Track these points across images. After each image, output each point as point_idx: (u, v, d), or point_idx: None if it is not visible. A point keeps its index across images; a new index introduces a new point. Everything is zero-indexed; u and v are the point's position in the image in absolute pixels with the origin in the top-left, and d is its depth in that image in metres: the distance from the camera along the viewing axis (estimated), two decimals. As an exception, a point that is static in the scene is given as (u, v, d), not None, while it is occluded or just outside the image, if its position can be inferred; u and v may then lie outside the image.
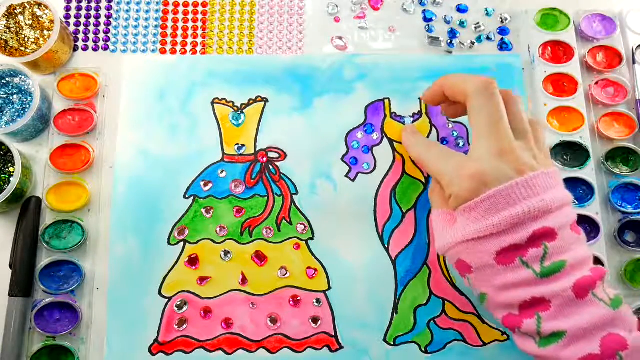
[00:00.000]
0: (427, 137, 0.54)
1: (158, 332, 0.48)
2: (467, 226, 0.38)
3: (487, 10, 0.58)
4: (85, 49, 0.56)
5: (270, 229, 0.51)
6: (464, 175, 0.38)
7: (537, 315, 0.36)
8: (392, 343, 0.49)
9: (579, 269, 0.37)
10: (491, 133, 0.39)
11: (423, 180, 0.52)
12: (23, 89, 0.51)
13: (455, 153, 0.42)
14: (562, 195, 0.38)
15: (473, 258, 0.39)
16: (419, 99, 0.54)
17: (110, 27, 0.57)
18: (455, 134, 0.54)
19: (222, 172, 0.52)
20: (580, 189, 0.52)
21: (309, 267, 0.50)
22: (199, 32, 0.57)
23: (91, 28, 0.57)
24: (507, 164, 0.37)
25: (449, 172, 0.40)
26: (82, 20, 0.57)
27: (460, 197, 0.39)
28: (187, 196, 0.51)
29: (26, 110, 0.51)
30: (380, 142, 0.53)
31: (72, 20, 0.57)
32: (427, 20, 0.58)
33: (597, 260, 0.50)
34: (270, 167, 0.52)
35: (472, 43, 0.57)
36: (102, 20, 0.57)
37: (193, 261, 0.50)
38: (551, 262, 0.36)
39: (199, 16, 0.57)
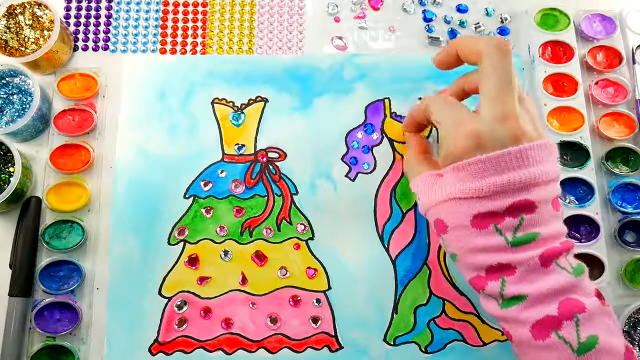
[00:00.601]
0: (427, 136, 0.54)
1: (158, 332, 0.48)
2: (452, 184, 0.39)
3: (487, 10, 0.58)
4: (85, 49, 0.56)
5: (270, 229, 0.51)
6: (461, 132, 0.38)
7: (502, 278, 0.37)
8: (392, 343, 0.49)
9: (550, 241, 0.37)
10: (499, 95, 0.38)
11: (423, 180, 0.52)
12: (23, 89, 0.51)
13: (461, 105, 0.41)
14: (551, 169, 0.38)
15: (450, 217, 0.39)
16: (419, 98, 0.54)
17: (110, 27, 0.57)
18: (455, 134, 0.54)
19: (222, 172, 0.52)
20: (580, 189, 0.52)
21: (309, 267, 0.50)
22: (199, 32, 0.57)
23: (91, 28, 0.57)
24: (506, 130, 0.37)
25: (448, 124, 0.40)
26: (82, 20, 0.57)
27: (453, 155, 0.39)
28: (187, 196, 0.51)
29: (26, 110, 0.51)
30: (380, 142, 0.53)
31: (72, 20, 0.57)
32: (427, 20, 0.58)
33: (598, 261, 0.50)
34: (270, 167, 0.52)
35: (472, 43, 0.57)
36: (102, 20, 0.57)
37: (193, 261, 0.50)
38: (524, 232, 0.37)
39: (199, 16, 0.57)
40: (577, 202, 0.52)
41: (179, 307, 0.49)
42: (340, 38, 0.57)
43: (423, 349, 0.49)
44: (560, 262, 0.37)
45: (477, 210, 0.38)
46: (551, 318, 0.36)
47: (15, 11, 0.52)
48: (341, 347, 0.49)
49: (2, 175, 0.48)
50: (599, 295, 0.38)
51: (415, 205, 0.52)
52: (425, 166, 0.44)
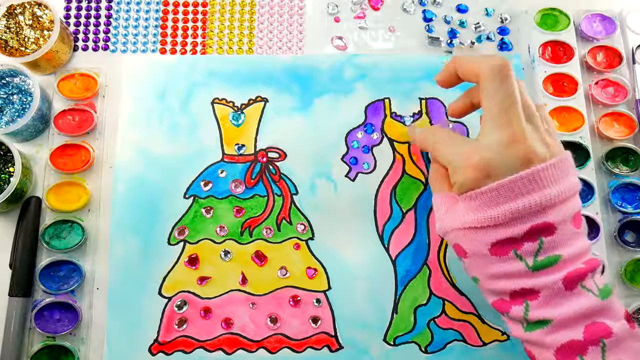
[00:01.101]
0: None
1: (158, 332, 0.48)
2: (466, 214, 0.38)
3: (487, 10, 0.58)
4: (85, 49, 0.56)
5: (270, 229, 0.51)
6: (468, 164, 0.38)
7: (526, 303, 0.37)
8: (392, 343, 0.49)
9: (572, 262, 0.37)
10: (503, 119, 0.37)
11: (423, 180, 0.52)
12: (23, 89, 0.51)
13: (463, 138, 0.41)
14: (568, 186, 0.37)
15: (469, 245, 0.39)
16: (419, 98, 0.54)
17: (110, 27, 0.57)
18: (455, 134, 0.54)
19: (222, 172, 0.52)
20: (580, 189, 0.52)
21: (309, 267, 0.50)
22: (199, 32, 0.57)
23: (91, 28, 0.57)
24: (515, 154, 0.36)
25: (454, 159, 0.40)
26: (82, 20, 0.57)
27: (464, 186, 0.38)
28: (187, 196, 0.51)
29: (26, 110, 0.51)
30: (380, 142, 0.53)
31: (72, 20, 0.57)
32: (427, 20, 0.58)
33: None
34: (270, 167, 0.52)
35: (472, 43, 0.57)
36: (102, 20, 0.57)
37: (193, 261, 0.50)
38: (545, 256, 0.36)
39: (199, 16, 0.57)
40: (577, 202, 0.52)
41: (179, 307, 0.49)
42: (340, 38, 0.57)
43: (423, 349, 0.49)
44: (585, 284, 0.36)
45: (494, 239, 0.37)
46: (576, 343, 0.35)
47: (15, 11, 0.52)
48: (341, 347, 0.49)
49: (2, 175, 0.48)
50: (628, 317, 0.37)
51: (416, 205, 0.52)
52: (446, 184, 0.43)
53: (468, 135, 0.54)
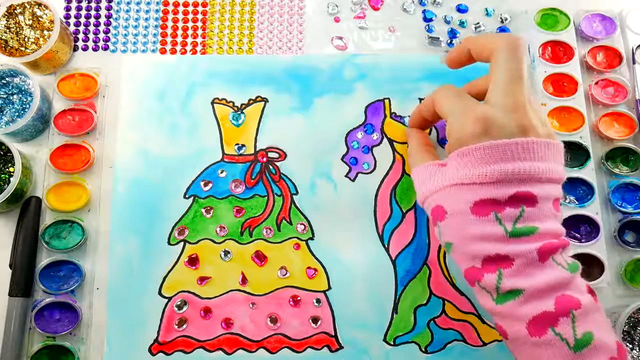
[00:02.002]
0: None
1: (158, 332, 0.48)
2: (456, 170, 0.38)
3: (487, 10, 0.58)
4: (85, 49, 0.56)
5: (270, 229, 0.51)
6: (470, 117, 0.38)
7: (499, 271, 0.37)
8: (392, 343, 0.49)
9: (547, 237, 0.37)
10: (509, 88, 0.38)
11: (423, 180, 0.52)
12: (23, 89, 0.51)
13: (469, 97, 0.41)
14: (556, 169, 0.38)
15: (450, 203, 0.39)
16: (419, 98, 0.54)
17: (110, 27, 0.57)
18: (455, 134, 0.54)
19: (222, 172, 0.52)
20: (580, 189, 0.52)
21: (309, 267, 0.50)
22: (199, 32, 0.57)
23: (91, 28, 0.57)
24: (515, 120, 0.37)
25: (457, 112, 0.40)
26: (82, 20, 0.57)
27: (460, 140, 0.38)
28: (187, 196, 0.51)
29: (26, 110, 0.51)
30: (380, 142, 0.53)
31: (72, 20, 0.57)
32: (427, 20, 0.58)
33: (598, 261, 0.50)
34: (270, 167, 0.52)
35: (472, 43, 0.57)
36: (102, 20, 0.57)
37: (193, 261, 0.50)
38: (524, 225, 0.37)
39: (199, 16, 0.57)
40: (577, 202, 0.52)
41: (179, 307, 0.49)
42: (340, 38, 0.57)
43: (423, 349, 0.49)
44: (556, 258, 0.37)
45: (478, 197, 0.37)
46: (548, 314, 0.35)
47: (15, 11, 0.52)
48: (341, 347, 0.49)
49: (2, 175, 0.48)
50: (591, 292, 0.38)
51: (416, 205, 0.52)
52: (427, 156, 0.44)
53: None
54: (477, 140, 0.37)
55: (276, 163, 0.52)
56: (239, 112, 0.54)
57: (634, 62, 0.56)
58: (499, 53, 0.39)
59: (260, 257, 0.50)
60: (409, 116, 0.54)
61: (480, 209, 0.37)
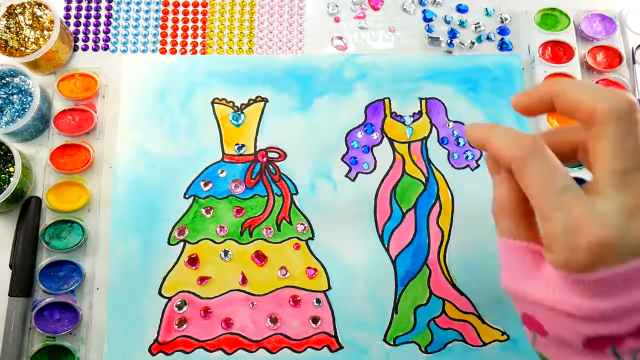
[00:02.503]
0: (427, 136, 0.54)
1: (158, 332, 0.48)
2: (564, 293, 0.29)
3: (487, 10, 0.58)
4: (85, 49, 0.56)
5: (270, 229, 0.51)
6: (580, 242, 0.27)
7: None
8: (392, 343, 0.49)
9: None
10: (628, 179, 0.28)
11: (423, 180, 0.52)
12: (23, 89, 0.51)
13: (575, 194, 0.28)
14: None
15: (554, 328, 0.30)
16: (419, 98, 0.54)
17: (110, 27, 0.57)
18: (456, 133, 0.54)
19: (222, 172, 0.52)
20: (580, 189, 0.52)
21: (309, 267, 0.50)
22: (199, 32, 0.57)
23: (91, 28, 0.57)
24: (636, 231, 0.28)
25: (559, 225, 0.28)
26: (82, 20, 0.57)
27: (568, 267, 0.28)
28: (187, 196, 0.51)
29: (26, 110, 0.51)
30: (380, 142, 0.53)
31: (72, 20, 0.57)
32: (427, 20, 0.58)
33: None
34: (270, 167, 0.52)
35: (472, 43, 0.57)
36: (102, 20, 0.57)
37: (193, 261, 0.50)
38: None
39: (199, 16, 0.57)
40: (577, 202, 0.52)
41: (179, 307, 0.49)
42: (340, 38, 0.57)
43: (423, 349, 0.49)
44: None
45: (594, 333, 0.29)
46: None
47: (15, 11, 0.52)
48: (341, 347, 0.49)
49: (2, 175, 0.48)
50: None
51: (416, 205, 0.52)
52: (522, 229, 0.32)
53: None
54: (590, 270, 0.28)
55: (276, 163, 0.52)
56: (239, 112, 0.54)
57: (634, 62, 0.56)
58: (607, 124, 0.28)
59: (260, 257, 0.50)
60: (409, 116, 0.54)
61: (595, 344, 0.29)
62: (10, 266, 0.49)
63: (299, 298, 0.49)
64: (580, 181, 0.52)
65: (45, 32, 0.52)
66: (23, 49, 0.51)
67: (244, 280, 0.50)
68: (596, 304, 0.28)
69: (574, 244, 0.27)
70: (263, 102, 0.54)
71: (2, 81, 0.52)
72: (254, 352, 0.48)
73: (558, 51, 0.56)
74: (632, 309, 0.28)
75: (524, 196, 0.31)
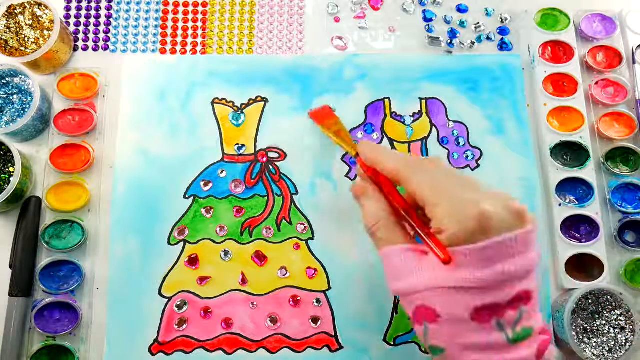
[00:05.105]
0: (427, 136, 0.54)
1: (158, 332, 0.48)
2: (452, 271, 0.33)
3: (487, 10, 0.58)
4: (85, 49, 0.56)
5: (270, 229, 0.51)
6: (467, 214, 0.32)
7: None
8: (392, 343, 0.49)
9: (539, 334, 0.34)
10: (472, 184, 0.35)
11: (423, 180, 0.52)
12: (23, 89, 0.51)
13: (455, 182, 0.35)
14: (538, 250, 0.35)
15: (446, 307, 0.33)
16: (419, 98, 0.54)
17: (110, 27, 0.57)
18: (456, 133, 0.54)
19: (222, 172, 0.52)
20: (580, 189, 0.52)
21: (309, 267, 0.50)
22: (199, 32, 0.57)
23: (91, 28, 0.57)
24: (512, 207, 0.33)
25: (447, 203, 0.34)
26: (82, 20, 0.57)
27: (458, 239, 0.33)
28: (187, 196, 0.51)
29: (26, 110, 0.51)
30: (380, 141, 0.53)
31: (72, 20, 0.57)
32: (427, 20, 0.58)
33: (598, 261, 0.50)
34: (270, 167, 0.52)
35: (472, 43, 0.57)
36: (102, 20, 0.57)
37: (193, 261, 0.50)
38: (522, 327, 0.33)
39: (199, 16, 0.57)
40: (577, 202, 0.52)
41: (179, 307, 0.49)
42: (340, 38, 0.57)
43: (423, 349, 0.49)
44: (547, 356, 0.34)
45: (480, 303, 0.32)
46: None
47: (15, 11, 0.52)
48: (341, 347, 0.49)
49: (2, 175, 0.48)
50: None
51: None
52: (398, 233, 0.37)
53: (468, 135, 0.54)
54: (474, 240, 0.32)
55: (276, 163, 0.52)
56: (239, 112, 0.54)
57: (634, 62, 0.56)
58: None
59: (260, 257, 0.50)
60: (409, 116, 0.54)
61: (481, 316, 0.33)
62: (10, 266, 0.49)
63: (299, 298, 0.49)
64: (581, 181, 0.52)
65: (45, 32, 0.52)
66: (23, 49, 0.51)
67: (244, 280, 0.50)
68: (480, 273, 0.32)
69: (461, 216, 0.33)
70: (263, 102, 0.54)
71: (2, 81, 0.52)
72: (254, 352, 0.48)
73: (558, 51, 0.56)
74: (508, 277, 0.32)
75: (391, 208, 0.38)
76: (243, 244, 0.50)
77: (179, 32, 0.57)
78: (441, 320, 0.34)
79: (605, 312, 0.48)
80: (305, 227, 0.51)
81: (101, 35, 0.56)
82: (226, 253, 0.50)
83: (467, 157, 0.53)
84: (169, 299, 0.49)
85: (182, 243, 0.50)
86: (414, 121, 0.54)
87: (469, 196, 0.34)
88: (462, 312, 0.33)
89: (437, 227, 0.34)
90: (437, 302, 0.34)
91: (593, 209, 0.52)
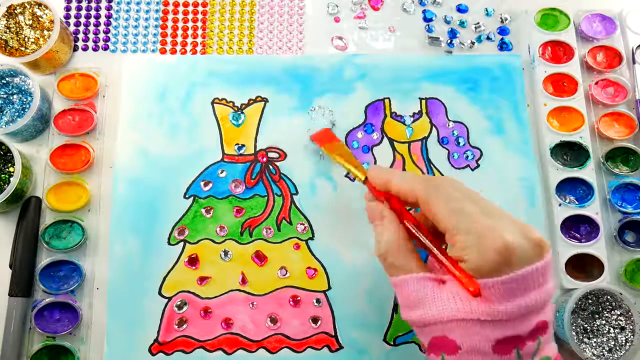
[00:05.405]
0: (427, 136, 0.54)
1: (158, 332, 0.48)
2: (475, 303, 0.33)
3: (487, 10, 0.58)
4: (85, 49, 0.56)
5: (270, 229, 0.51)
6: (490, 246, 0.32)
7: None
8: (392, 343, 0.49)
9: None
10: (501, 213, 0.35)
11: (423, 180, 0.52)
12: (23, 89, 0.51)
13: (477, 211, 0.34)
14: (554, 280, 0.35)
15: (467, 339, 0.33)
16: (419, 98, 0.54)
17: (110, 27, 0.57)
18: (456, 133, 0.54)
19: (222, 172, 0.52)
20: (580, 189, 0.52)
21: (309, 267, 0.50)
22: (199, 32, 0.57)
23: (91, 28, 0.57)
24: (534, 239, 0.33)
25: (469, 232, 0.33)
26: (82, 20, 0.57)
27: (480, 270, 0.33)
28: (187, 196, 0.51)
29: (26, 110, 0.51)
30: (380, 141, 0.53)
31: (72, 20, 0.57)
32: (427, 20, 0.58)
33: (598, 261, 0.50)
34: (270, 167, 0.52)
35: (472, 43, 0.57)
36: (102, 20, 0.57)
37: (193, 261, 0.50)
38: (540, 357, 0.33)
39: (199, 16, 0.57)
40: (577, 202, 0.52)
41: (179, 307, 0.49)
42: (340, 38, 0.57)
43: (423, 349, 0.49)
44: None
45: (502, 335, 0.32)
46: None
47: (15, 11, 0.52)
48: (341, 347, 0.49)
49: (2, 175, 0.48)
50: None
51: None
52: (413, 261, 0.36)
53: (468, 135, 0.54)
54: (498, 273, 0.32)
55: (276, 163, 0.52)
56: (239, 112, 0.54)
57: (634, 62, 0.56)
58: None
59: (260, 257, 0.50)
60: (409, 116, 0.54)
61: (503, 348, 0.33)
62: (10, 266, 0.49)
63: (299, 298, 0.49)
64: (581, 181, 0.52)
65: (45, 32, 0.52)
66: (23, 49, 0.51)
67: (244, 280, 0.50)
68: (503, 306, 0.32)
69: (485, 248, 0.32)
70: (263, 102, 0.54)
71: (2, 81, 0.52)
72: (254, 352, 0.48)
73: (558, 51, 0.56)
74: (531, 309, 0.32)
75: (407, 235, 0.37)
76: (243, 244, 0.50)
77: (179, 32, 0.57)
78: (461, 352, 0.33)
79: (605, 312, 0.48)
80: (305, 227, 0.51)
81: (101, 35, 0.56)
82: (226, 253, 0.50)
83: (467, 157, 0.53)
84: (169, 299, 0.49)
85: (182, 243, 0.50)
86: (414, 121, 0.54)
87: (489, 224, 0.33)
88: (483, 344, 0.33)
89: (457, 255, 0.34)
90: (458, 334, 0.33)
91: (593, 209, 0.52)
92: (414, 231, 0.37)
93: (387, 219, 0.38)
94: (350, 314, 0.49)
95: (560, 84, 0.55)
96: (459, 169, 0.53)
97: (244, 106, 0.54)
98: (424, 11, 0.58)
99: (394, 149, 0.53)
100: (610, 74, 0.55)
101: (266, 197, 0.51)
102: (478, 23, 0.57)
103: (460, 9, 0.58)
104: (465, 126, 0.54)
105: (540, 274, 0.33)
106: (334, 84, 0.54)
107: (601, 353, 0.47)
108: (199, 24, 0.57)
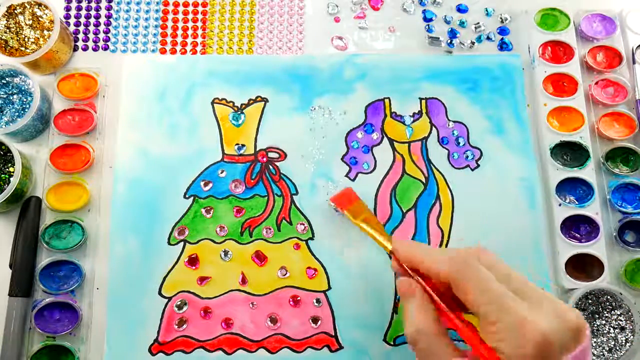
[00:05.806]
0: (427, 136, 0.54)
1: (158, 332, 0.48)
2: None
3: (487, 10, 0.58)
4: (85, 49, 0.56)
5: (270, 229, 0.51)
6: (527, 337, 0.31)
7: None
8: (392, 343, 0.49)
9: None
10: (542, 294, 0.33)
11: (423, 180, 0.52)
12: (23, 89, 0.51)
13: (514, 297, 0.33)
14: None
15: None
16: (419, 98, 0.54)
17: (110, 27, 0.57)
18: (456, 133, 0.54)
19: (222, 172, 0.52)
20: (580, 189, 0.52)
21: (309, 267, 0.50)
22: (199, 32, 0.57)
23: (91, 28, 0.57)
24: (570, 325, 0.32)
25: (503, 321, 0.32)
26: (82, 20, 0.57)
27: None
28: (187, 196, 0.51)
29: (26, 110, 0.51)
30: (380, 142, 0.53)
31: (72, 20, 0.57)
32: (427, 20, 0.58)
33: (598, 261, 0.50)
34: (270, 167, 0.52)
35: (472, 43, 0.57)
36: (102, 20, 0.57)
37: (193, 261, 0.50)
38: None
39: (199, 16, 0.57)
40: (577, 202, 0.52)
41: (179, 307, 0.49)
42: (340, 38, 0.57)
43: (423, 349, 0.49)
44: None
45: None
46: None
47: (15, 11, 0.52)
48: (341, 347, 0.49)
49: (2, 175, 0.48)
50: None
51: (416, 205, 0.52)
52: (445, 345, 0.35)
53: (468, 135, 0.54)
54: None
55: (276, 163, 0.52)
56: (239, 112, 0.54)
57: (634, 62, 0.56)
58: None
59: (260, 257, 0.50)
60: (409, 116, 0.54)
61: None
62: (10, 266, 0.49)
63: (299, 298, 0.49)
64: (580, 181, 0.52)
65: (45, 32, 0.52)
66: (23, 49, 0.51)
67: (244, 280, 0.50)
68: None
69: (523, 340, 0.31)
70: (263, 102, 0.54)
71: (2, 81, 0.52)
72: (254, 352, 0.48)
73: (558, 51, 0.56)
74: None
75: (437, 316, 0.36)
76: (243, 244, 0.50)
77: (179, 32, 0.57)
78: None
79: (605, 312, 0.48)
80: (305, 227, 0.51)
81: (101, 35, 0.56)
82: (226, 253, 0.50)
83: (467, 157, 0.53)
84: (169, 299, 0.49)
85: (182, 243, 0.50)
86: (414, 121, 0.54)
87: (523, 314, 0.32)
88: None
89: (496, 347, 0.32)
90: None
91: (593, 209, 0.52)
92: (455, 321, 0.36)
93: (418, 298, 0.37)
94: (350, 314, 0.49)
95: (560, 84, 0.55)
96: (459, 169, 0.53)
97: (244, 106, 0.54)
98: (424, 11, 0.58)
99: (394, 149, 0.53)
100: (610, 74, 0.55)
101: (266, 197, 0.51)
102: (478, 23, 0.57)
103: (460, 9, 0.58)
104: (465, 126, 0.54)
105: (578, 358, 0.31)
106: (334, 84, 0.55)
107: (601, 353, 0.47)
108: (199, 24, 0.57)
